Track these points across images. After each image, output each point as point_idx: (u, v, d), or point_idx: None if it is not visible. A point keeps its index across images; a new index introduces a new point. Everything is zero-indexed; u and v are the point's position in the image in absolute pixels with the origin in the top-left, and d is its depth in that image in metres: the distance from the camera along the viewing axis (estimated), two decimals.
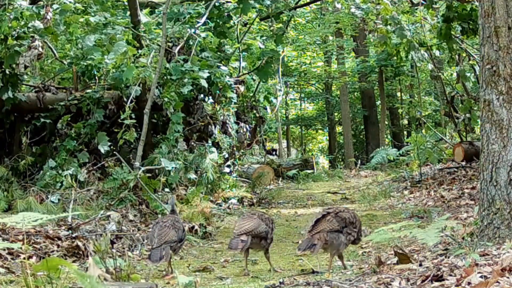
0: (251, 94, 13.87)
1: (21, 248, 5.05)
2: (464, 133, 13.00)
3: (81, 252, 6.21)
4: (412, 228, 4.88)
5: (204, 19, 11.12)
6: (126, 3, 11.31)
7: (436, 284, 4.07)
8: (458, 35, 12.01)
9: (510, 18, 5.17)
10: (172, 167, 9.41)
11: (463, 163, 11.94)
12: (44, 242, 6.36)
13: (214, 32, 11.59)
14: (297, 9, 17.94)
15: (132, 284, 4.39)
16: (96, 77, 10.40)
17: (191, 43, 10.71)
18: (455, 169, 11.83)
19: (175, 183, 9.54)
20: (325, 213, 5.63)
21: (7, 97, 9.49)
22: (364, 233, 6.19)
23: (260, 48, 13.26)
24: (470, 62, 13.41)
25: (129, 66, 9.45)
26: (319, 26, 21.97)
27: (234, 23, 13.02)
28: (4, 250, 5.75)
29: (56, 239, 6.52)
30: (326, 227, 5.49)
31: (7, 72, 9.43)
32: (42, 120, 10.09)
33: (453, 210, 8.23)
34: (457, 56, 12.91)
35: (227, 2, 12.13)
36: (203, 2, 11.84)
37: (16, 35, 9.26)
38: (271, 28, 16.31)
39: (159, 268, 6.11)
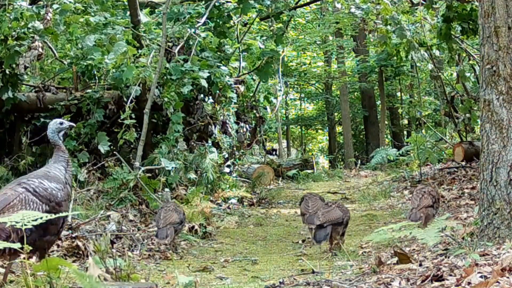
0: (251, 94, 13.87)
1: (21, 248, 5.04)
2: (464, 133, 12.98)
3: (81, 252, 6.21)
4: (412, 228, 4.87)
5: (204, 19, 11.12)
6: (126, 3, 11.31)
7: (436, 284, 4.07)
8: (458, 35, 12.00)
9: (510, 18, 5.17)
10: (172, 167, 9.41)
11: (463, 163, 11.93)
12: None
13: (214, 32, 11.58)
14: (297, 9, 17.95)
15: (132, 284, 4.39)
16: (96, 77, 10.40)
17: (191, 43, 10.71)
18: (455, 169, 11.82)
19: (175, 183, 9.53)
20: (423, 191, 6.98)
21: (7, 97, 9.49)
22: None
23: (260, 48, 13.26)
24: (470, 62, 13.39)
25: (129, 66, 9.44)
26: (319, 26, 21.96)
27: (234, 23, 13.02)
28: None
29: None
30: (426, 203, 6.78)
31: (7, 72, 9.43)
32: (42, 120, 10.09)
33: (453, 210, 8.23)
34: (457, 56, 12.89)
35: (227, 2, 12.13)
36: (203, 2, 11.84)
37: (16, 35, 9.26)
38: (271, 28, 16.31)
39: (159, 268, 6.11)
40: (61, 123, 5.31)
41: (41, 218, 3.98)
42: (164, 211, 6.88)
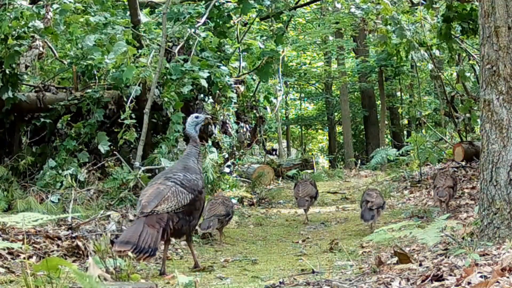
0: (251, 94, 13.86)
1: (21, 248, 5.05)
2: (464, 133, 12.98)
3: (81, 252, 6.19)
4: (412, 228, 4.87)
5: (204, 19, 11.12)
6: (126, 3, 11.31)
7: (436, 284, 4.07)
8: (458, 35, 12.00)
9: (510, 18, 5.17)
10: None
11: (463, 163, 11.93)
12: (44, 242, 6.35)
13: (214, 32, 11.58)
14: (297, 9, 17.95)
15: (132, 284, 4.39)
16: (96, 77, 10.40)
17: (191, 43, 10.71)
18: (455, 169, 11.82)
19: None
20: (446, 174, 8.52)
21: (7, 97, 9.49)
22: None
23: (260, 48, 13.26)
24: (470, 62, 13.39)
25: (129, 66, 9.44)
26: (319, 26, 21.97)
27: (234, 23, 13.02)
28: (4, 250, 5.74)
29: (56, 239, 6.51)
30: (449, 184, 8.16)
31: (7, 72, 9.42)
32: (42, 120, 10.08)
33: (453, 210, 8.23)
34: (457, 56, 12.89)
35: (227, 2, 12.13)
36: (203, 2, 11.84)
37: (16, 35, 9.26)
38: (271, 28, 16.31)
39: (159, 268, 6.10)
40: (197, 117, 5.85)
41: (41, 219, 3.99)
42: (211, 204, 7.42)
